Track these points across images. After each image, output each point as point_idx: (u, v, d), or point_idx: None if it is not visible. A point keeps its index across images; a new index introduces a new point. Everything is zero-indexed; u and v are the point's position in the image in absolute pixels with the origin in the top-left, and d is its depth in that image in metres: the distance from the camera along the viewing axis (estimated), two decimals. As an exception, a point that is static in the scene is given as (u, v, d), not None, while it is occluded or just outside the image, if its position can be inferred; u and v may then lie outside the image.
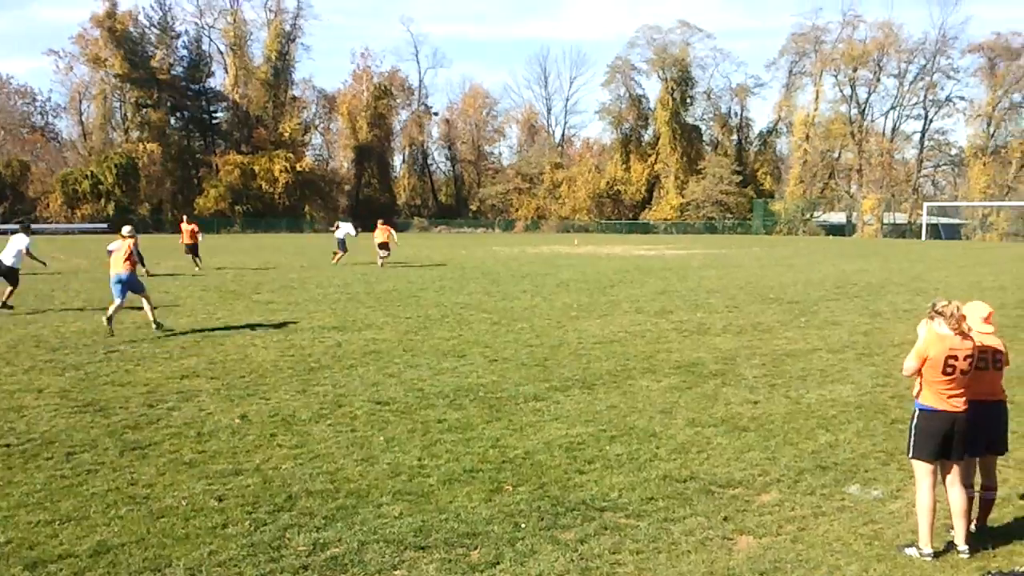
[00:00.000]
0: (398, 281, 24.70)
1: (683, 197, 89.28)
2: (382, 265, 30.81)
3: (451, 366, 11.75)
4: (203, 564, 5.29)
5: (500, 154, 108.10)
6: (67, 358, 12.04)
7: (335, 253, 32.93)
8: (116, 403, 9.38)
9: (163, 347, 13.03)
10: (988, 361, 5.88)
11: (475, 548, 5.60)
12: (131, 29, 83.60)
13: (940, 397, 5.66)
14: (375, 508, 6.26)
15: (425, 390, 10.22)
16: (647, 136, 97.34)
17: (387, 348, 13.17)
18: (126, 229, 15.67)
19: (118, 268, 14.66)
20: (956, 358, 5.57)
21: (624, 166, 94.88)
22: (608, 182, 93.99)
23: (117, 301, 14.58)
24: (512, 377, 11.01)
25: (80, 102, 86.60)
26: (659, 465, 7.35)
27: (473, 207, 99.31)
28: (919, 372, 5.70)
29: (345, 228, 33.46)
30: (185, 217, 32.53)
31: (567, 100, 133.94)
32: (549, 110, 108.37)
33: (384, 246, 31.37)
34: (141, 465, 7.20)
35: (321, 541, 5.65)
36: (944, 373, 5.59)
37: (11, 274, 17.84)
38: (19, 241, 18.17)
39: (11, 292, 17.58)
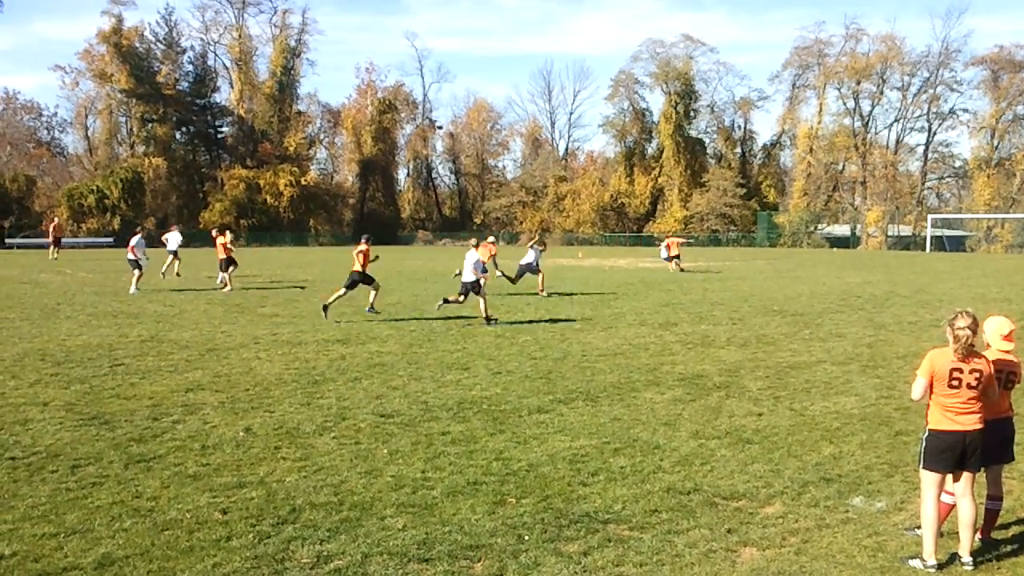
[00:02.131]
0: (403, 294, 24.73)
1: (687, 210, 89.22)
2: (682, 271, 36.28)
3: (455, 379, 11.77)
4: (207, 576, 5.30)
5: (504, 167, 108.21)
6: (72, 371, 12.08)
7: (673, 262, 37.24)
8: (121, 416, 9.40)
9: (168, 360, 13.07)
10: (1002, 381, 5.88)
11: (478, 561, 5.60)
12: (137, 45, 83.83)
13: (947, 416, 5.63)
14: (379, 521, 6.27)
15: (429, 403, 10.23)
16: (651, 149, 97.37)
17: (391, 361, 13.20)
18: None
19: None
20: (961, 371, 5.56)
21: (628, 179, 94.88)
22: (612, 195, 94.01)
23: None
24: (516, 390, 11.03)
25: (86, 117, 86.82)
26: (663, 477, 7.36)
27: (477, 220, 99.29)
28: (930, 389, 5.67)
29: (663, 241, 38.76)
30: (215, 231, 29.82)
31: (571, 114, 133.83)
32: (553, 123, 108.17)
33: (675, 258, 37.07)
34: (146, 478, 7.22)
35: (325, 554, 5.66)
36: (950, 387, 5.58)
37: None
38: None
39: None
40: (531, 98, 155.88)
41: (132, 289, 24.05)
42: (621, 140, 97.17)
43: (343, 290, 18.98)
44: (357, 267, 19.02)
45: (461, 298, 18.92)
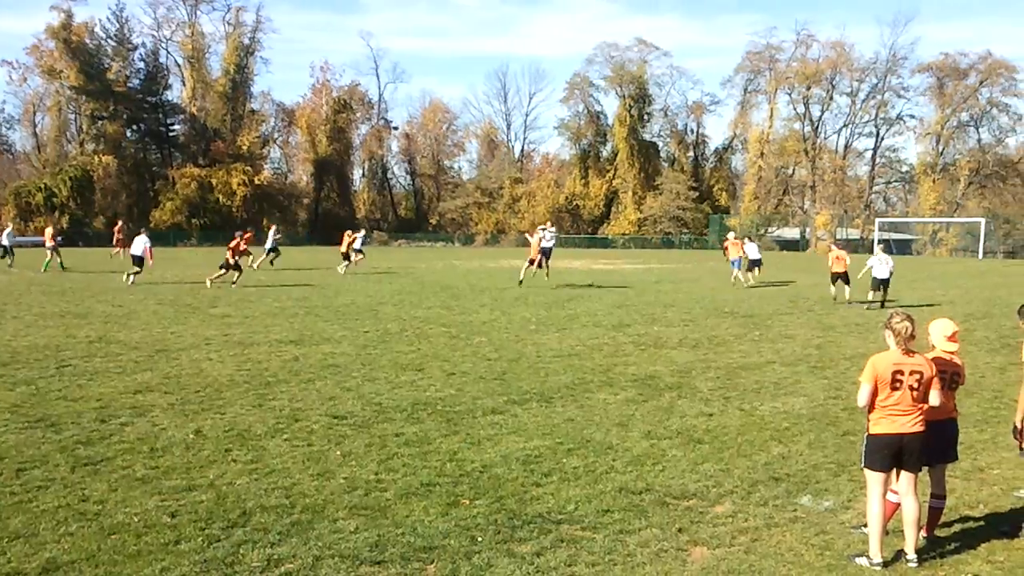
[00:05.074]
0: (356, 295, 24.60)
1: (641, 212, 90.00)
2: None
3: (409, 380, 11.74)
4: (155, 581, 5.22)
5: (460, 168, 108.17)
6: (18, 373, 11.82)
7: (747, 274, 30.06)
8: (68, 418, 9.23)
9: (116, 361, 12.85)
10: (946, 381, 5.98)
11: (431, 562, 5.59)
12: (87, 41, 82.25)
13: (887, 419, 5.71)
14: (331, 523, 6.23)
15: (383, 404, 10.19)
16: (605, 152, 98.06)
17: (345, 362, 13.11)
18: (731, 234, 29.05)
19: (735, 254, 28.78)
20: (902, 372, 5.66)
21: (583, 181, 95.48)
22: (567, 197, 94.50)
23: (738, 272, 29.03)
24: (470, 391, 11.02)
25: (34, 114, 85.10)
26: (615, 477, 7.41)
27: (433, 221, 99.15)
28: (875, 392, 5.76)
29: (752, 247, 30.90)
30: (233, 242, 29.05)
31: (526, 115, 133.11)
32: (508, 125, 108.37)
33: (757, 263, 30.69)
34: (93, 481, 7.10)
35: (275, 557, 5.61)
36: (892, 388, 5.68)
37: None
38: None
39: None
40: (487, 99, 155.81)
41: (129, 281, 26.31)
42: (576, 142, 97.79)
43: None
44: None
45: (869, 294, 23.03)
